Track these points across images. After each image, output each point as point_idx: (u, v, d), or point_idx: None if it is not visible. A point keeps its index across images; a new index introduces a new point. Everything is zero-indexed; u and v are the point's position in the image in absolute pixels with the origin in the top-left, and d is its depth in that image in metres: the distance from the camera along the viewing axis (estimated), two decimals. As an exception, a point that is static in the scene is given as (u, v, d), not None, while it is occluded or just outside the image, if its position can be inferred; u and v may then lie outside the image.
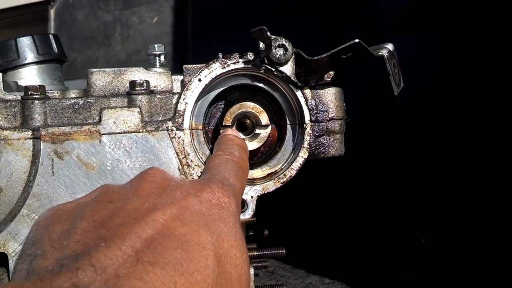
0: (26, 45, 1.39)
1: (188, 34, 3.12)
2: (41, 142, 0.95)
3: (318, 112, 1.10)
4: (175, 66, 2.77)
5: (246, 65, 1.08)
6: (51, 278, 0.58)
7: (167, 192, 0.77)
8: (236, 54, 1.08)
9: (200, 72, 1.06)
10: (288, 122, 1.13)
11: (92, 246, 0.63)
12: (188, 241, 0.68)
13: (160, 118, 1.05)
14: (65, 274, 0.58)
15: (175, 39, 3.17)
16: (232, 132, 1.09)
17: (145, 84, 1.03)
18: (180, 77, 1.09)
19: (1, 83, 1.03)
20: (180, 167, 1.02)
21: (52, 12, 3.45)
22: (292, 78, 1.07)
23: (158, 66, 1.14)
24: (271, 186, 1.09)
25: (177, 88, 1.10)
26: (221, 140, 1.05)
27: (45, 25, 3.45)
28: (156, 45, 1.16)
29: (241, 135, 1.11)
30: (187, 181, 0.83)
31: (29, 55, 1.38)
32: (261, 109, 1.11)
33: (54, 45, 1.44)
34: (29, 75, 1.38)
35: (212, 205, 0.77)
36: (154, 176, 0.83)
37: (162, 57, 1.16)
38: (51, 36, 1.46)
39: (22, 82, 1.32)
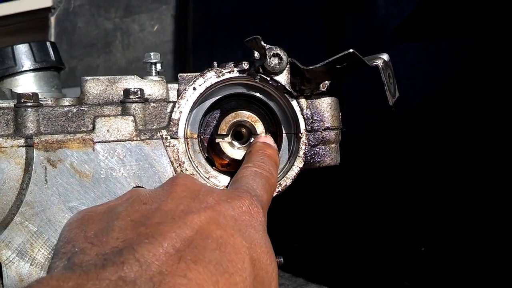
0: (23, 53, 1.39)
1: (189, 42, 3.12)
2: (34, 150, 0.95)
3: (314, 121, 1.09)
4: (176, 74, 2.75)
5: (241, 74, 1.07)
6: (97, 271, 0.58)
7: (200, 197, 0.78)
8: (231, 63, 1.07)
9: (195, 80, 1.06)
10: (283, 132, 1.13)
11: (135, 241, 0.64)
12: (225, 243, 0.68)
13: (155, 127, 1.04)
14: (111, 268, 0.58)
15: (175, 46, 3.17)
16: (265, 139, 1.08)
17: (139, 92, 1.03)
18: (177, 86, 1.09)
19: (-6, 91, 1.03)
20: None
21: (52, 20, 3.46)
22: (287, 88, 1.06)
23: (154, 74, 1.14)
24: None
25: (173, 96, 1.09)
26: (253, 149, 1.05)
27: (45, 32, 3.46)
28: (152, 53, 1.16)
29: (237, 144, 1.11)
30: (216, 188, 0.84)
31: (26, 62, 1.38)
32: (257, 118, 1.11)
33: (51, 53, 1.44)
34: (26, 83, 1.38)
35: (243, 211, 0.78)
36: (184, 180, 0.84)
37: (158, 66, 1.16)
38: (48, 43, 1.45)
39: (19, 90, 1.32)
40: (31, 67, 1.38)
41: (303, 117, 1.09)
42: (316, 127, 1.10)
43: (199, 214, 0.72)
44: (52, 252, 0.85)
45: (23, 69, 1.38)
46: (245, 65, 1.07)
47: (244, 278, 0.66)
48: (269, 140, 1.09)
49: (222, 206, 0.76)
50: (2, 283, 0.94)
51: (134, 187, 0.98)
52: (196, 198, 0.77)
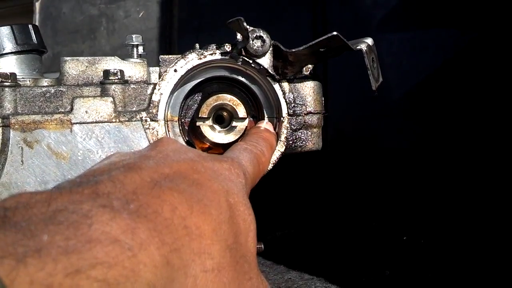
0: (5, 35, 1.36)
1: (174, 29, 3.10)
2: (11, 130, 0.94)
3: (296, 105, 1.08)
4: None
5: (223, 57, 1.06)
6: (71, 188, 0.58)
7: (181, 150, 0.77)
8: (213, 45, 1.06)
9: (176, 62, 1.05)
10: (265, 116, 1.12)
11: (112, 168, 0.65)
12: (202, 184, 0.68)
13: (134, 109, 1.03)
14: (85, 185, 0.58)
15: (161, 33, 3.14)
16: (265, 125, 1.09)
17: (119, 73, 1.01)
18: (159, 69, 1.08)
19: (-29, 71, 1.01)
20: (154, 158, 1.00)
21: (37, 5, 3.42)
22: (270, 71, 1.05)
23: (135, 56, 1.12)
24: None
25: (155, 79, 1.08)
26: (250, 131, 1.06)
27: (30, 18, 3.43)
28: (133, 36, 1.15)
29: (218, 128, 1.10)
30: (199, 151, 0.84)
31: (7, 45, 1.36)
32: (239, 101, 1.10)
33: (33, 36, 1.42)
34: (7, 65, 1.36)
35: (222, 167, 0.77)
36: (168, 139, 0.82)
37: (140, 48, 1.14)
38: (30, 26, 1.43)
39: (0, 72, 1.30)
40: (13, 50, 1.36)
41: (286, 101, 1.08)
42: (298, 111, 1.09)
43: (178, 160, 0.71)
44: None
45: (4, 52, 1.35)
46: (228, 48, 1.05)
47: (219, 212, 0.65)
48: (269, 126, 1.09)
49: (201, 157, 0.76)
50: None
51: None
52: (176, 151, 0.77)
